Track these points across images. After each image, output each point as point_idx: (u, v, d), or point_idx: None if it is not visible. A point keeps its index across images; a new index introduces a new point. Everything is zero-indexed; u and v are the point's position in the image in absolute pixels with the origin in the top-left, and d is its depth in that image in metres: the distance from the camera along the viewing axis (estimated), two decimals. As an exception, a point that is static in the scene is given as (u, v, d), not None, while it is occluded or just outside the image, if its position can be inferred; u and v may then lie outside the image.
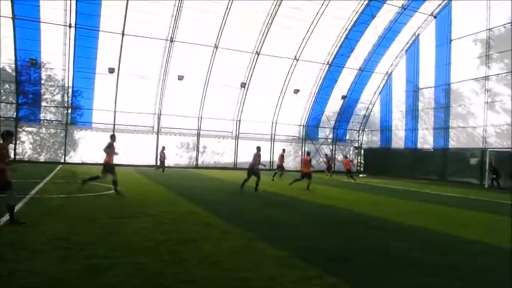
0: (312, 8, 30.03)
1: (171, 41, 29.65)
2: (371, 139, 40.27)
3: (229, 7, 28.53)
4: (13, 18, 26.06)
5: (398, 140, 36.30)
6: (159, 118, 32.52)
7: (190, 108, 32.97)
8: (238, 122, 34.87)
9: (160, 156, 27.31)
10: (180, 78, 30.83)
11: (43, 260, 5.32)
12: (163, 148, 27.31)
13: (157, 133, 32.56)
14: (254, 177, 16.21)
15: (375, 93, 37.93)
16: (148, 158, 31.87)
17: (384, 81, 37.22)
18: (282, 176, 24.72)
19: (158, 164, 28.24)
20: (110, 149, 12.78)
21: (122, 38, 28.42)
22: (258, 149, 17.31)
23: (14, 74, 28.92)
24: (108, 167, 12.68)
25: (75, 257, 5.51)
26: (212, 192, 15.54)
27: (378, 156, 37.28)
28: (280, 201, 13.61)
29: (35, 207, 9.63)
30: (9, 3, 25.39)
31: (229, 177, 24.24)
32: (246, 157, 34.71)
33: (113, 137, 13.17)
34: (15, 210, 7.71)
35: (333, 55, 34.02)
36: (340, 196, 15.73)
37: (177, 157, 33.49)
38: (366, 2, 30.43)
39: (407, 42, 34.48)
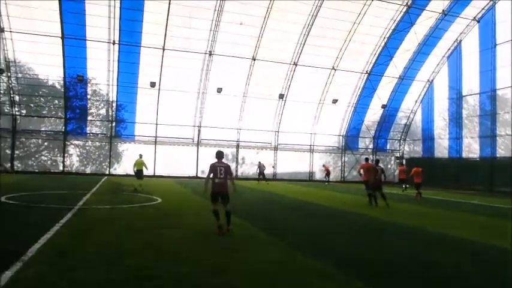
0: (349, 17, 29.86)
1: (210, 54, 30.27)
2: (413, 149, 39.28)
3: (266, 19, 28.86)
4: (62, 38, 27.47)
5: (442, 149, 35.19)
6: (199, 130, 33.14)
7: (229, 120, 33.42)
8: (276, 133, 34.98)
9: (260, 168, 29.82)
10: (219, 90, 31.36)
11: (91, 269, 5.56)
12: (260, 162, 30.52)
13: (197, 145, 33.17)
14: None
15: (416, 102, 37.05)
16: (189, 169, 32.48)
17: (425, 89, 36.31)
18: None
19: (259, 177, 30.24)
20: None
21: (163, 52, 29.29)
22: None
23: (62, 90, 30.39)
24: None
25: (121, 266, 5.73)
26: (252, 203, 15.63)
27: (421, 166, 36.14)
28: (321, 212, 13.52)
29: (83, 218, 10.05)
30: (59, 24, 26.80)
31: (269, 188, 24.28)
32: (284, 168, 34.78)
33: None
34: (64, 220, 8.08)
35: (372, 64, 33.60)
36: (383, 207, 15.42)
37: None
38: (404, 10, 29.94)
39: (449, 48, 33.55)
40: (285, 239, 8.21)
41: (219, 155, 9.49)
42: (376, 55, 33.08)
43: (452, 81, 33.99)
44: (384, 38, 31.91)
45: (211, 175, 9.12)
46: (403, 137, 39.24)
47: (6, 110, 30.00)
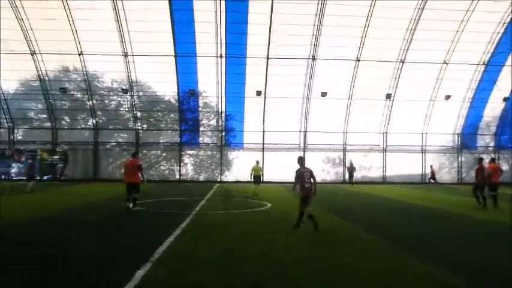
0: (460, 6, 27.80)
1: (313, 59, 30.33)
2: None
3: (369, 18, 28.15)
4: (175, 56, 29.78)
5: None
6: (304, 135, 33.33)
7: (335, 124, 33.03)
8: (385, 135, 33.71)
9: (349, 169, 30.33)
10: (323, 94, 31.21)
11: (209, 272, 5.97)
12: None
13: (304, 150, 33.34)
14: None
15: (545, 92, 32.99)
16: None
17: (557, 77, 32.18)
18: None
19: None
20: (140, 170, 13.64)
21: (267, 61, 30.09)
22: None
23: (177, 104, 32.85)
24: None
25: (237, 270, 6.07)
26: (362, 207, 15.34)
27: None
28: (432, 215, 12.79)
29: (201, 223, 10.78)
30: (172, 44, 29.13)
31: (378, 192, 23.52)
32: (394, 170, 33.34)
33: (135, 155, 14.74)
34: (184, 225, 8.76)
35: (490, 54, 30.75)
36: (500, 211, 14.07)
37: (323, 173, 33.77)
38: (527, -11, 27.00)
39: None
40: (395, 243, 7.95)
41: (302, 160, 10.06)
42: (495, 43, 30.23)
43: None
44: (504, 23, 29.08)
45: (299, 180, 9.68)
46: (531, 131, 35.17)
47: (130, 126, 33.34)
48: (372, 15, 27.97)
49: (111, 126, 33.78)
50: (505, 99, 32.62)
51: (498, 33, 29.66)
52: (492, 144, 35.15)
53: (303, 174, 9.67)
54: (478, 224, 11.24)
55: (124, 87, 31.37)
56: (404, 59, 30.45)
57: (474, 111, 33.34)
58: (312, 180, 9.79)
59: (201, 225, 10.34)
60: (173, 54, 29.68)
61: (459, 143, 34.66)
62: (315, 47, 29.77)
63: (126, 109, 33.44)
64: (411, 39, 29.40)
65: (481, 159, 16.59)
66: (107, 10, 27.56)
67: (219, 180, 33.10)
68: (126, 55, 29.72)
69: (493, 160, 17.20)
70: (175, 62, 30.09)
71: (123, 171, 14.64)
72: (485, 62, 31.21)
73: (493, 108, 33.64)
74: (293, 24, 28.43)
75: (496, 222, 11.37)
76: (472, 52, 30.71)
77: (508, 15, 28.61)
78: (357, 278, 5.63)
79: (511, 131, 34.94)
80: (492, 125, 34.53)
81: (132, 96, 31.97)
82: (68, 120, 33.62)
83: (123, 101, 33.15)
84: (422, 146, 34.09)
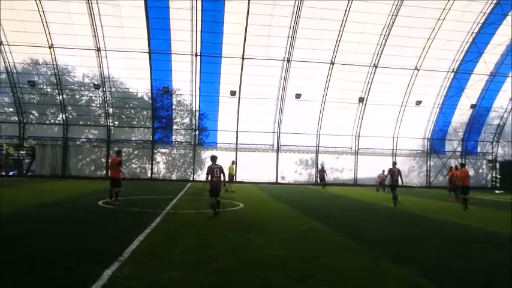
0: (432, 14, 28.53)
1: (288, 61, 30.49)
2: (508, 151, 36.26)
3: (344, 22, 28.52)
4: (149, 53, 29.40)
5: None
6: (278, 136, 33.46)
7: (309, 126, 33.31)
8: (357, 138, 34.22)
9: (320, 172, 29.54)
10: (298, 96, 31.42)
11: (178, 271, 5.88)
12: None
13: (277, 151, 33.49)
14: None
15: (510, 100, 34.18)
16: (269, 175, 32.87)
17: (521, 86, 33.41)
18: None
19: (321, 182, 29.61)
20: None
21: (242, 61, 30.06)
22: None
23: (150, 101, 32.41)
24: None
25: (207, 269, 6.01)
26: (333, 209, 15.49)
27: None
28: (403, 217, 13.04)
29: (171, 222, 10.65)
30: (147, 40, 28.73)
31: (350, 193, 23.85)
32: (366, 173, 33.84)
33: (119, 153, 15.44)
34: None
35: (459, 62, 31.68)
36: (472, 214, 14.48)
37: (296, 174, 34.01)
38: (496, 0, 27.86)
39: (548, 41, 30.63)
40: (366, 244, 8.06)
41: (214, 159, 12.05)
42: (464, 52, 31.16)
43: (553, 76, 30.94)
44: (472, 33, 30.00)
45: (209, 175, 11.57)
46: (495, 138, 36.42)
47: (101, 122, 32.68)
48: (347, 19, 28.34)
49: (81, 122, 33.04)
50: (472, 106, 33.65)
51: (467, 42, 30.57)
52: (459, 149, 36.17)
53: (213, 169, 11.62)
54: (439, 224, 11.51)
55: (96, 83, 30.73)
56: (378, 63, 31.00)
57: (443, 117, 34.26)
58: (222, 177, 11.81)
59: (172, 224, 10.22)
60: (147, 50, 29.29)
61: (428, 147, 35.53)
62: (290, 49, 29.94)
63: (98, 105, 32.75)
64: (384, 44, 29.96)
65: (462, 165, 18.81)
66: (79, 3, 26.96)
67: (191, 179, 32.85)
68: (99, 50, 29.13)
69: (463, 165, 18.56)
70: (150, 59, 29.71)
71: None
72: (455, 70, 32.11)
73: (461, 115, 34.65)
74: (269, 26, 28.54)
75: (464, 225, 11.67)
76: (442, 59, 31.56)
77: (477, 25, 29.53)
78: (329, 279, 5.66)
79: (478, 137, 36.10)
80: (460, 131, 35.56)
81: (104, 92, 31.35)
82: (37, 115, 32.65)
83: (95, 96, 32.49)
84: (393, 149, 34.76)
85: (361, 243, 8.35)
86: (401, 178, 16.73)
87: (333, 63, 30.74)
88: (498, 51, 31.17)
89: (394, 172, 16.78)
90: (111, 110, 32.52)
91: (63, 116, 32.04)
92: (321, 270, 6.15)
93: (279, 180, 33.00)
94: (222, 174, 11.79)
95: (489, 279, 6.00)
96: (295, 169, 34.01)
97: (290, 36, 29.20)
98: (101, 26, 28.10)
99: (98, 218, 11.32)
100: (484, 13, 28.78)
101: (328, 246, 8.02)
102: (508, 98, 34.08)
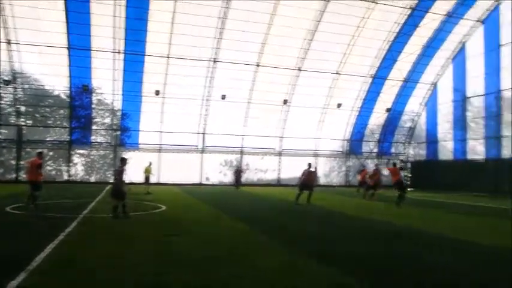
0: (353, 22, 29.90)
1: (214, 61, 30.35)
2: (418, 152, 39.09)
3: (270, 26, 28.96)
4: (68, 48, 27.71)
5: (447, 152, 34.97)
6: (203, 137, 33.18)
7: (234, 127, 33.43)
8: (281, 139, 34.93)
9: (236, 173, 29.79)
10: (223, 97, 31.39)
11: (93, 279, 5.52)
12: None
13: (202, 152, 33.20)
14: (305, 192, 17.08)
15: (420, 105, 36.92)
16: (194, 177, 32.47)
17: (429, 92, 36.19)
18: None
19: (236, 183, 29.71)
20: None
21: (167, 61, 29.42)
22: (310, 165, 18.07)
23: (68, 100, 30.57)
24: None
25: (125, 275, 5.71)
26: (255, 208, 15.61)
27: (426, 170, 35.98)
28: (323, 215, 13.47)
29: (88, 227, 10.07)
30: (65, 35, 27.04)
31: (273, 193, 24.24)
32: (289, 173, 34.66)
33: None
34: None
35: (376, 68, 33.57)
36: (387, 211, 15.33)
37: (221, 175, 33.97)
38: (409, 12, 29.90)
39: (453, 51, 33.45)
40: (288, 243, 8.18)
41: (121, 160, 12.18)
42: (381, 59, 33.05)
43: (457, 83, 33.87)
44: (388, 41, 31.89)
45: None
46: (407, 140, 39.09)
47: (12, 121, 30.22)
48: (272, 22, 28.81)
49: (-13, 121, 30.32)
50: (388, 110, 35.85)
51: (384, 49, 32.45)
52: (375, 150, 38.32)
53: (115, 172, 12.36)
54: (360, 222, 12.03)
55: (6, 78, 28.34)
56: (302, 67, 31.89)
57: (362, 120, 36.12)
58: (119, 177, 11.70)
59: (89, 229, 9.65)
60: (66, 45, 27.58)
61: (347, 148, 37.24)
62: (217, 50, 29.82)
63: (8, 102, 30.19)
64: (308, 48, 30.89)
65: (394, 164, 20.39)
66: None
67: (111, 181, 31.41)
68: (9, 42, 26.90)
69: (394, 164, 19.95)
70: (69, 55, 28.02)
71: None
72: (372, 75, 33.97)
73: (377, 118, 36.76)
74: (195, 26, 28.11)
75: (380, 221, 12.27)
76: (361, 65, 33.20)
77: (392, 34, 31.45)
78: (255, 279, 5.62)
79: (392, 138, 38.52)
80: (376, 133, 37.70)
81: (15, 88, 29.01)
82: None
83: (4, 93, 29.89)
84: (315, 150, 35.97)
85: (285, 242, 8.45)
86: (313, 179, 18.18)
87: (258, 65, 31.13)
88: (410, 59, 33.45)
89: (310, 173, 17.80)
90: (23, 108, 30.18)
91: (-33, 114, 29.19)
92: (247, 270, 6.11)
93: (204, 182, 32.74)
94: (121, 176, 11.64)
95: (415, 276, 6.31)
96: (220, 170, 33.97)
97: (216, 37, 29.06)
98: (12, 15, 25.90)
99: (6, 226, 10.38)
100: (399, 23, 30.71)
101: (253, 246, 8.02)
102: (418, 102, 36.74)
